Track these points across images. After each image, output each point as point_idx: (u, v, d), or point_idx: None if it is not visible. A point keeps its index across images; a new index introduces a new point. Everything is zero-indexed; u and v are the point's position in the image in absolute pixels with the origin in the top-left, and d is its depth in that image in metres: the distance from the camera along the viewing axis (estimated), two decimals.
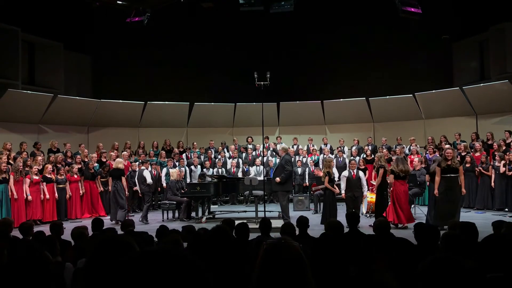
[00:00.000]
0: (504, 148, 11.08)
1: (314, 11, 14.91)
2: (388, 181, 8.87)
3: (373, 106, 14.83)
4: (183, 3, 13.91)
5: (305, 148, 13.99)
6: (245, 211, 10.76)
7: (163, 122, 15.17)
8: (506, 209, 10.42)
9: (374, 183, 9.31)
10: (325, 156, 12.82)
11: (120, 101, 14.62)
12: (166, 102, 15.19)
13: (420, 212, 9.93)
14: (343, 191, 9.01)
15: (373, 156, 12.10)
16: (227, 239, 3.36)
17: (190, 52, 15.58)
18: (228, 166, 13.25)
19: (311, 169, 12.54)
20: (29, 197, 9.71)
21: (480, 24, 14.04)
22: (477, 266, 2.65)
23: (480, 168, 10.93)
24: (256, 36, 15.28)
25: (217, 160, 13.21)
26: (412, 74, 14.98)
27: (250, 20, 14.44)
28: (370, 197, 9.91)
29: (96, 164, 11.63)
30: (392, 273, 2.49)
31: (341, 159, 12.81)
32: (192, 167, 12.79)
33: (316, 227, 7.32)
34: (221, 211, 11.17)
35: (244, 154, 13.78)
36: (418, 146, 12.64)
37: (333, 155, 12.99)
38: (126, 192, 10.29)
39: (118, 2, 13.03)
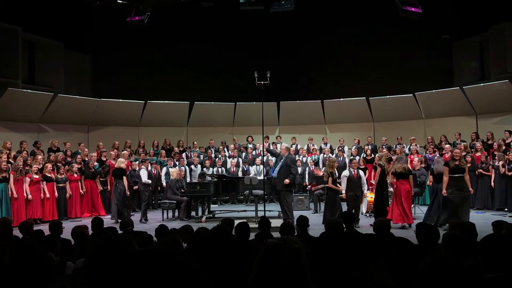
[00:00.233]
0: (504, 148, 11.09)
1: (315, 11, 14.88)
2: (388, 181, 8.88)
3: (373, 105, 14.84)
4: (183, 2, 13.88)
5: (305, 147, 14.00)
6: (245, 211, 10.75)
7: (163, 121, 15.17)
8: (506, 209, 10.43)
9: (374, 183, 9.31)
10: (325, 155, 12.82)
11: (120, 100, 14.63)
12: (166, 102, 15.19)
13: (420, 212, 9.93)
14: (343, 191, 9.01)
15: (373, 155, 12.11)
16: (227, 239, 3.37)
17: (190, 52, 15.58)
18: (228, 166, 13.25)
19: (311, 168, 12.54)
20: (29, 196, 9.70)
21: (480, 24, 14.04)
22: (476, 265, 2.65)
23: (481, 170, 10.93)
24: (256, 35, 15.26)
25: (217, 159, 13.21)
26: (412, 74, 14.97)
27: (250, 20, 14.43)
28: (370, 196, 9.92)
29: (96, 163, 11.64)
30: (392, 273, 2.49)
31: (341, 158, 12.81)
32: (192, 166, 12.80)
33: (316, 227, 7.32)
34: (221, 211, 11.15)
35: (244, 154, 13.78)
36: (418, 145, 12.64)
37: (333, 155, 12.98)
38: (127, 192, 10.29)
39: (118, 1, 12.99)
